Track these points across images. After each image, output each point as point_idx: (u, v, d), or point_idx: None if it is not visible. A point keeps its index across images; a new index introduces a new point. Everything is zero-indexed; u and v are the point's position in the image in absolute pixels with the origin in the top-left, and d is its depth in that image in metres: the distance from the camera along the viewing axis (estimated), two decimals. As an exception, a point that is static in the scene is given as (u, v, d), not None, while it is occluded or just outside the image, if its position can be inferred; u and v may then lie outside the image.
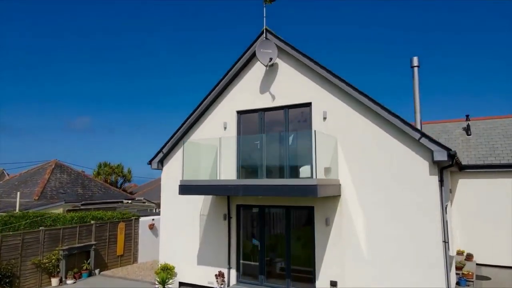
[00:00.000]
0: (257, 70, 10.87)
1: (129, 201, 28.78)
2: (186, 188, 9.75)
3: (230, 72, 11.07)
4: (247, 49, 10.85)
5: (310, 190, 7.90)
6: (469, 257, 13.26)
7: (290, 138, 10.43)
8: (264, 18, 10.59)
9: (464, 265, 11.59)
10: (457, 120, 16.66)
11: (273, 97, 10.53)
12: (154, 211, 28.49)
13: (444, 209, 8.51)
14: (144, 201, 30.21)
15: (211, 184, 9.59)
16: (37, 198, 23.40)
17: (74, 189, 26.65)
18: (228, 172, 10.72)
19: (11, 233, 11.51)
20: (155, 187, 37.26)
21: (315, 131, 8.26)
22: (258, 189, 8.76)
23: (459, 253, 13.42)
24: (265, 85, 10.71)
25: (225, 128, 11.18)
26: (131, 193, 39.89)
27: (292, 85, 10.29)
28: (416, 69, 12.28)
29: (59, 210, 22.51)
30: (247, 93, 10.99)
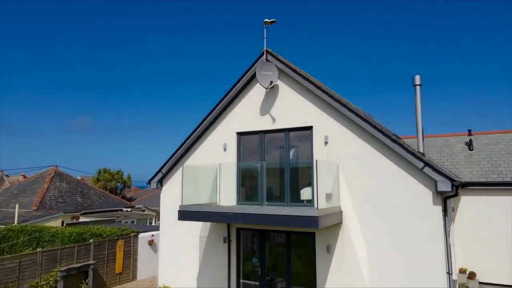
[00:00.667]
0: (257, 91, 10.71)
1: (129, 209, 28.68)
2: (185, 214, 9.60)
3: (230, 93, 10.93)
4: (247, 70, 10.70)
5: (311, 222, 7.75)
6: (472, 275, 13.10)
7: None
8: (265, 39, 10.45)
9: (467, 287, 11.44)
10: (459, 134, 16.50)
11: (274, 119, 10.38)
12: (153, 222, 28.36)
13: (447, 238, 8.37)
14: (144, 209, 30.08)
15: (210, 211, 9.44)
16: (36, 208, 23.27)
17: (73, 198, 26.52)
18: (228, 195, 10.58)
19: (8, 256, 11.37)
20: (155, 193, 37.13)
21: (316, 160, 8.10)
22: (257, 218, 8.61)
23: (462, 271, 13.27)
24: (266, 106, 10.55)
25: (225, 149, 11.03)
26: (130, 198, 39.79)
27: (292, 107, 10.14)
28: (418, 87, 12.11)
29: (58, 221, 22.46)
30: (247, 114, 10.84)
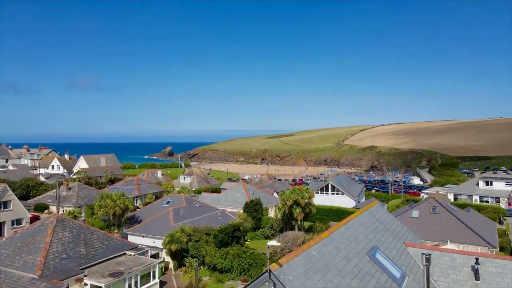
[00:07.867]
0: (260, 300, 10.31)
1: (132, 254, 29.03)
2: None
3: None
4: (250, 283, 10.22)
5: None
6: None
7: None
8: (268, 260, 9.84)
9: None
10: (467, 252, 16.20)
11: (277, 336, 10.08)
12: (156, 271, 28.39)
13: None
14: (147, 249, 30.37)
15: None
16: (40, 273, 23.46)
17: (76, 250, 26.68)
18: None
19: None
20: (157, 216, 37.45)
21: None
22: None
23: None
24: (269, 319, 10.20)
25: None
26: (133, 218, 40.14)
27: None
28: (426, 267, 11.71)
29: (64, 293, 22.77)
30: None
